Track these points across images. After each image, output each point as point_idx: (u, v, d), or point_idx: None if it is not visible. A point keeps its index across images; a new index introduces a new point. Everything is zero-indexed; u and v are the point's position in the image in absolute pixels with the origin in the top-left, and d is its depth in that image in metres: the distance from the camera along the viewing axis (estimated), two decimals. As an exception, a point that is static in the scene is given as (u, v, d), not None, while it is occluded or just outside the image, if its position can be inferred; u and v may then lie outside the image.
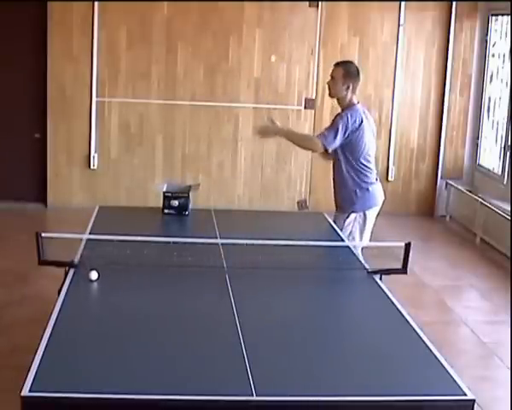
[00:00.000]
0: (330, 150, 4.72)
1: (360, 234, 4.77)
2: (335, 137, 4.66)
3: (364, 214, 4.84)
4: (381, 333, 3.06)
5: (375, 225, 5.00)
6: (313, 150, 5.00)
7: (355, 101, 4.82)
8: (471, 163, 8.56)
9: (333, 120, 4.83)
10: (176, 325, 3.04)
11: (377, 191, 4.98)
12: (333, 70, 4.89)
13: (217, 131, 8.18)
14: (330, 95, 4.94)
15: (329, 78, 4.91)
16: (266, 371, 2.62)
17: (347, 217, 4.81)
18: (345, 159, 4.79)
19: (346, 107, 4.80)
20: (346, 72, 4.80)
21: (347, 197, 4.84)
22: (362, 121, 4.74)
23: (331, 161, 4.99)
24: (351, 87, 4.77)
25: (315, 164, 8.23)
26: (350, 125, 4.68)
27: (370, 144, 4.84)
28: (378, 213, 5.04)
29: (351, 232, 4.77)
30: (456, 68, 8.40)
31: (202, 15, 7.93)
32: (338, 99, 4.87)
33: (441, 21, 8.30)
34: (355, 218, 4.81)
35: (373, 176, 4.92)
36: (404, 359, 2.82)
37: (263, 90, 8.13)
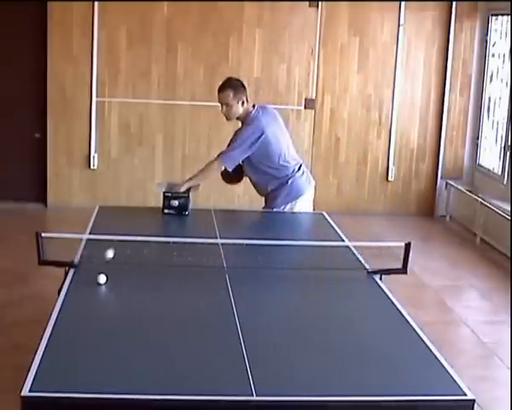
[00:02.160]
0: (230, 169, 4.78)
1: None
2: (234, 154, 4.74)
3: (297, 202, 4.92)
4: (381, 333, 3.06)
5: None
6: (217, 173, 4.93)
7: (250, 109, 4.83)
8: (471, 163, 8.56)
9: (233, 138, 4.84)
10: (176, 324, 3.04)
11: (301, 181, 4.98)
12: (220, 97, 4.82)
13: (217, 131, 8.17)
14: (228, 120, 4.92)
15: (220, 105, 4.85)
16: (266, 371, 2.62)
17: (283, 209, 4.92)
18: (257, 169, 4.86)
19: (244, 118, 4.83)
20: (234, 90, 4.78)
21: (269, 197, 4.94)
22: (262, 132, 4.75)
23: (236, 182, 5.08)
24: (244, 100, 4.79)
25: (315, 164, 8.24)
26: (250, 140, 4.72)
27: (282, 141, 4.87)
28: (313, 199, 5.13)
29: None
30: (456, 68, 8.40)
31: (202, 15, 7.93)
32: (237, 118, 4.88)
33: (441, 21, 8.30)
34: (290, 209, 4.92)
35: (292, 170, 4.93)
36: (404, 359, 2.82)
37: (263, 90, 8.13)
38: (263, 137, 4.76)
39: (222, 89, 4.83)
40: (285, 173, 4.91)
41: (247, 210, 5.85)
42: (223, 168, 4.84)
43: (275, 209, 4.93)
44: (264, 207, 5.06)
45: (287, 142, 4.98)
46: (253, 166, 4.89)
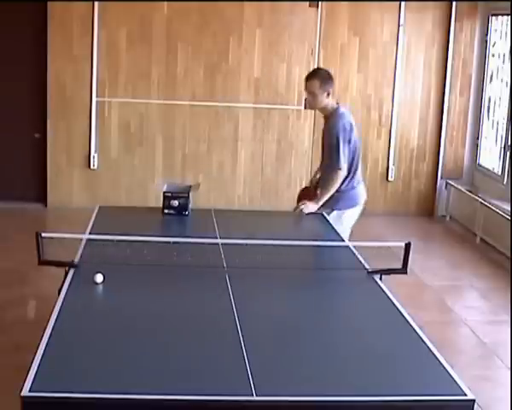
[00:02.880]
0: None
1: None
2: (344, 154, 4.77)
3: (344, 213, 4.92)
4: (381, 333, 3.06)
5: (357, 223, 5.04)
6: (339, 181, 4.91)
7: (335, 104, 4.83)
8: (471, 163, 8.56)
9: (330, 138, 4.83)
10: (176, 324, 3.04)
11: (360, 192, 5.04)
12: (307, 85, 4.85)
13: (217, 131, 8.18)
14: (311, 108, 4.95)
15: (306, 93, 4.89)
16: (266, 371, 2.62)
17: (328, 214, 4.88)
18: (332, 163, 4.85)
19: (331, 114, 4.82)
20: (322, 80, 4.80)
21: (331, 196, 4.90)
22: (351, 125, 4.82)
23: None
24: (331, 93, 4.78)
25: (315, 164, 8.23)
26: (346, 134, 4.77)
27: (356, 146, 4.91)
28: (361, 213, 5.11)
29: None
30: (456, 68, 8.40)
31: (202, 15, 7.93)
32: (321, 109, 4.87)
33: (441, 21, 8.30)
34: (336, 216, 4.89)
35: (357, 177, 4.97)
36: (404, 359, 2.82)
37: (263, 90, 8.14)
38: (352, 130, 4.79)
39: (310, 77, 4.85)
40: (352, 177, 4.91)
41: (247, 210, 5.86)
42: (344, 174, 4.84)
43: (334, 213, 4.87)
44: (321, 208, 4.97)
45: (360, 149, 4.99)
46: (332, 163, 4.86)
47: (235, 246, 3.97)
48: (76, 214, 6.15)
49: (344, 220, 4.92)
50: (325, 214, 4.88)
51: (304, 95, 8.10)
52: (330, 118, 4.87)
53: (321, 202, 4.89)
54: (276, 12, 8.04)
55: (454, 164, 8.59)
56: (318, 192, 4.99)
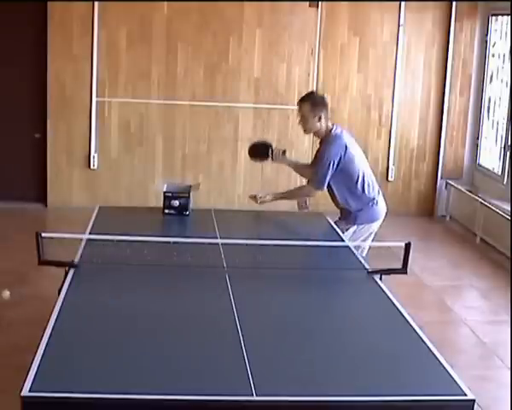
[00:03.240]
0: (323, 190, 4.78)
1: (361, 245, 4.76)
2: (324, 176, 4.69)
3: (365, 226, 4.85)
4: (381, 333, 3.06)
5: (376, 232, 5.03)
6: (309, 196, 4.96)
7: (331, 127, 4.79)
8: (471, 163, 8.56)
9: (316, 158, 4.82)
10: (176, 325, 3.04)
11: (380, 206, 4.95)
12: (299, 108, 4.80)
13: (217, 131, 8.18)
14: (305, 132, 4.92)
15: (300, 116, 4.82)
16: (266, 371, 2.62)
17: (348, 229, 4.81)
18: (341, 188, 4.79)
19: (325, 137, 4.77)
20: (313, 104, 4.74)
21: (350, 216, 4.84)
22: (346, 148, 4.70)
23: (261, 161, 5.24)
24: (323, 117, 4.72)
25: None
26: (334, 158, 4.66)
27: (362, 165, 4.82)
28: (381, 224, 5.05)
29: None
30: (456, 68, 8.40)
31: (202, 15, 7.93)
32: (314, 132, 4.85)
33: (441, 21, 8.30)
34: (358, 229, 4.83)
35: (374, 192, 4.89)
36: (404, 359, 2.82)
37: (263, 90, 8.13)
38: (347, 154, 4.69)
39: (301, 100, 4.80)
40: (368, 197, 4.84)
41: (247, 210, 5.85)
42: (315, 192, 4.83)
43: (353, 228, 4.81)
44: (339, 220, 4.90)
45: (367, 167, 4.91)
46: (338, 186, 4.80)
47: (235, 246, 3.97)
48: (76, 214, 6.15)
49: (368, 233, 4.85)
50: (344, 231, 4.78)
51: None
52: (323, 142, 4.79)
53: (277, 198, 4.96)
54: (276, 12, 8.04)
55: (454, 164, 8.59)
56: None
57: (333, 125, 4.80)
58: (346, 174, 4.73)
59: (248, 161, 8.27)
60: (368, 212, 4.85)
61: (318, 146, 4.90)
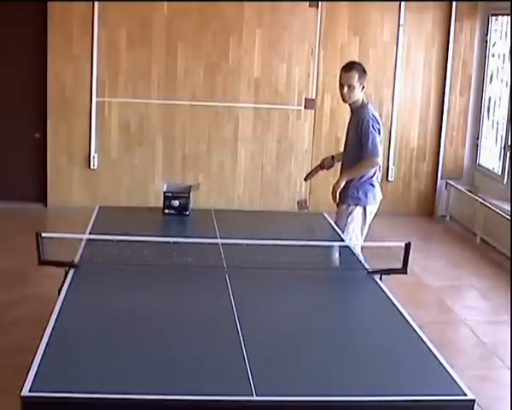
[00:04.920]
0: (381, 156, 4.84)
1: (361, 230, 4.80)
2: (378, 144, 4.76)
3: (365, 209, 4.90)
4: (381, 333, 3.06)
5: (371, 224, 5.04)
6: (374, 167, 4.92)
7: (366, 100, 4.86)
8: (471, 163, 8.56)
9: (362, 130, 4.80)
10: (176, 324, 3.04)
11: (378, 190, 5.05)
12: (344, 77, 4.78)
13: (217, 131, 8.18)
14: (345, 101, 4.90)
15: (341, 85, 4.83)
16: (266, 371, 2.62)
17: (350, 212, 4.84)
18: (359, 155, 4.82)
19: (360, 107, 4.81)
20: (360, 73, 4.78)
21: (352, 191, 4.87)
22: (379, 121, 4.86)
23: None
24: (365, 85, 4.81)
25: (314, 164, 8.22)
26: (376, 126, 4.79)
27: (381, 144, 4.92)
28: (376, 213, 5.06)
29: (353, 229, 4.80)
30: (456, 68, 8.40)
31: (202, 15, 7.93)
32: (352, 103, 4.86)
33: (441, 21, 8.30)
34: (358, 213, 4.85)
35: (378, 174, 4.99)
36: (404, 359, 2.82)
37: (263, 90, 8.13)
38: (380, 124, 4.81)
39: (347, 69, 4.80)
40: (373, 177, 4.91)
41: (247, 210, 5.86)
42: (380, 162, 4.85)
43: (357, 208, 4.86)
44: (342, 204, 4.93)
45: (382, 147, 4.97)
46: (359, 150, 4.83)
47: (235, 246, 3.97)
48: (76, 214, 6.16)
49: (363, 216, 4.90)
50: (347, 215, 4.84)
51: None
52: (360, 110, 4.84)
53: (346, 178, 4.82)
54: (276, 12, 8.04)
55: (454, 164, 8.59)
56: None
57: (367, 100, 4.90)
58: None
59: (249, 161, 8.34)
60: (367, 191, 4.90)
61: (351, 117, 4.95)
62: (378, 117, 4.91)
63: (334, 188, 4.87)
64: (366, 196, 4.89)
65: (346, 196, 4.89)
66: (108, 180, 8.12)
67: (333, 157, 5.28)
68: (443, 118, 8.46)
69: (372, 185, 4.92)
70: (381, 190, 5.14)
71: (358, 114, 4.86)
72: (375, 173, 4.91)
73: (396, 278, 3.78)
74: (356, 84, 4.76)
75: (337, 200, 4.87)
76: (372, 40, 8.24)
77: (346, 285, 3.67)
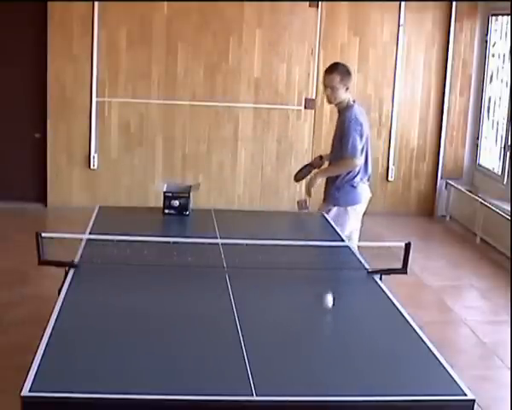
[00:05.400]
0: (361, 158, 4.84)
1: (341, 228, 4.81)
2: (356, 144, 4.77)
3: (346, 210, 4.93)
4: (381, 333, 3.06)
5: (363, 223, 5.06)
6: (352, 168, 4.93)
7: (351, 100, 4.86)
8: (471, 163, 8.56)
9: (346, 128, 4.83)
10: (176, 324, 3.04)
11: (363, 190, 5.03)
12: (327, 79, 4.87)
13: (217, 131, 8.18)
14: (330, 102, 4.97)
15: (324, 87, 4.92)
16: (266, 371, 2.62)
17: (328, 212, 4.92)
18: (344, 153, 4.86)
19: (347, 108, 4.83)
20: (342, 75, 4.82)
21: (333, 191, 4.95)
22: (362, 123, 4.84)
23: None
24: (349, 86, 4.81)
25: (315, 164, 8.24)
26: (358, 128, 4.78)
27: (366, 144, 4.91)
28: (365, 212, 5.11)
29: None
30: (456, 68, 8.40)
31: (202, 15, 7.93)
32: (338, 103, 4.89)
33: (441, 21, 8.30)
34: (337, 212, 4.91)
35: (362, 175, 4.97)
36: (404, 359, 2.82)
37: (263, 90, 8.13)
38: (363, 127, 4.82)
39: (329, 71, 4.87)
40: (355, 175, 4.92)
41: (247, 210, 5.86)
42: (354, 162, 4.84)
43: (335, 209, 4.92)
44: (322, 206, 5.02)
45: (369, 148, 4.98)
46: (340, 154, 4.89)
47: (235, 246, 3.97)
48: (76, 214, 6.16)
49: (347, 217, 4.92)
50: (326, 213, 4.89)
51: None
52: (345, 111, 4.88)
53: (321, 176, 4.93)
54: (276, 12, 8.04)
55: (454, 164, 8.59)
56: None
57: (354, 100, 4.93)
58: None
59: (249, 161, 8.34)
60: (348, 192, 4.93)
61: (338, 118, 4.99)
62: (363, 119, 4.90)
63: (308, 184, 4.97)
64: (346, 196, 4.94)
65: (328, 196, 4.99)
66: (108, 180, 8.12)
67: (321, 157, 5.31)
68: (443, 118, 8.46)
69: (353, 186, 4.94)
70: (371, 189, 5.16)
71: (343, 114, 4.91)
72: (358, 174, 4.92)
73: (396, 278, 3.78)
74: (338, 85, 4.80)
75: (311, 195, 4.96)
76: (372, 40, 8.24)
77: (346, 285, 3.67)
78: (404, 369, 2.73)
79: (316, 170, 5.13)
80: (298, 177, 5.33)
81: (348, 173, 4.91)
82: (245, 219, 5.18)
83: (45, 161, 8.01)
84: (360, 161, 4.85)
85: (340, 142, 4.87)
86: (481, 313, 5.85)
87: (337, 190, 4.92)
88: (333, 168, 5.02)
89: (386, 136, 8.45)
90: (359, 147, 4.80)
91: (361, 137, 4.81)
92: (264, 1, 7.97)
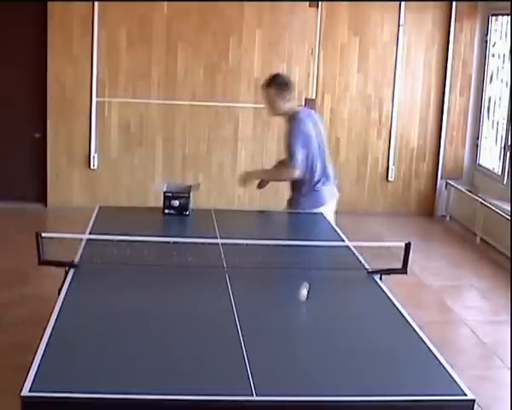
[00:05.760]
0: (301, 167, 4.82)
1: None
2: (297, 153, 4.76)
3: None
4: (381, 333, 3.06)
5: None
6: (291, 178, 4.95)
7: (296, 108, 4.86)
8: (471, 163, 8.56)
9: (288, 139, 4.85)
10: (176, 325, 3.04)
11: (326, 192, 5.01)
12: (263, 93, 4.89)
13: (217, 131, 8.18)
14: (272, 115, 4.98)
15: (265, 100, 4.94)
16: (266, 371, 2.62)
17: None
18: (287, 162, 4.88)
19: (291, 118, 4.84)
20: (278, 87, 4.83)
21: (297, 197, 4.96)
22: (309, 132, 4.83)
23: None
24: (289, 98, 4.80)
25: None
26: (301, 138, 4.77)
27: (316, 148, 4.88)
28: (336, 212, 5.14)
29: None
30: (456, 68, 8.40)
31: (202, 15, 7.93)
32: (281, 114, 4.90)
33: (441, 21, 8.30)
34: None
35: (324, 179, 4.96)
36: (404, 359, 2.82)
37: (263, 90, 8.12)
38: (309, 137, 4.81)
39: (264, 86, 4.89)
40: (315, 180, 4.92)
41: (247, 210, 5.86)
42: (293, 172, 4.83)
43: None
44: (287, 207, 5.05)
45: (323, 151, 4.97)
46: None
47: (235, 246, 3.97)
48: (76, 214, 6.15)
49: None
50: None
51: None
52: (289, 121, 4.88)
53: (262, 175, 5.02)
54: (276, 12, 8.04)
55: (454, 164, 8.59)
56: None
57: (299, 106, 4.88)
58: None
59: (249, 161, 8.34)
60: (311, 197, 4.94)
61: (285, 128, 4.98)
62: (311, 126, 4.86)
63: (246, 175, 5.06)
64: (309, 201, 4.93)
65: (292, 201, 5.01)
66: (108, 180, 8.12)
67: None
68: (443, 118, 8.47)
69: (315, 191, 4.94)
70: (338, 189, 5.19)
71: (287, 125, 4.91)
72: (320, 180, 4.92)
73: (396, 278, 3.77)
74: (275, 98, 4.82)
75: (244, 186, 5.10)
76: (372, 40, 8.24)
77: (346, 285, 3.67)
78: (404, 369, 2.73)
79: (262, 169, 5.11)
80: (261, 185, 5.31)
81: (311, 181, 4.89)
82: (245, 219, 5.18)
83: (45, 161, 8.02)
84: (299, 171, 4.82)
85: (286, 151, 4.89)
86: (481, 313, 5.85)
87: (301, 196, 4.94)
88: (273, 173, 5.17)
89: (386, 136, 8.46)
90: (299, 157, 4.77)
91: (304, 146, 4.78)
92: (264, 1, 7.97)
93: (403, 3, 8.20)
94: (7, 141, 7.99)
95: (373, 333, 3.04)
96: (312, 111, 5.10)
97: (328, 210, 5.03)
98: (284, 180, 5.07)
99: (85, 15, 7.77)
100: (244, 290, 3.43)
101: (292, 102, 4.88)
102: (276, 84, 4.85)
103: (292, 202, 5.04)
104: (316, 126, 4.96)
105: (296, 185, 4.96)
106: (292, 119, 4.84)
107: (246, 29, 8.03)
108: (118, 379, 2.50)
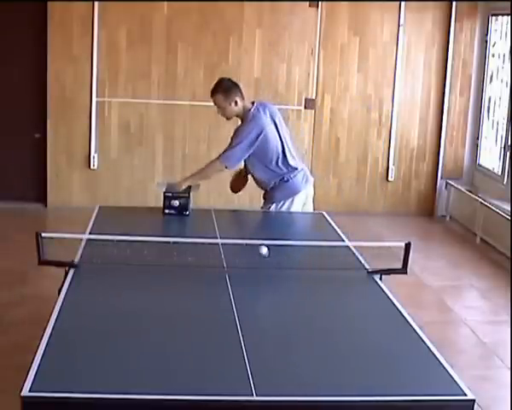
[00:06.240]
0: (232, 169, 4.93)
1: None
2: (235, 154, 4.81)
3: (284, 203, 4.96)
4: (381, 333, 3.06)
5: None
6: (216, 174, 4.98)
7: (248, 105, 4.87)
8: (471, 163, 8.56)
9: (233, 136, 4.87)
10: (176, 325, 3.04)
11: (298, 180, 5.01)
12: (213, 101, 4.91)
13: (217, 131, 8.17)
14: (228, 119, 4.98)
15: (218, 107, 4.94)
16: (266, 371, 2.62)
17: (269, 208, 4.97)
18: (257, 165, 4.91)
19: (243, 115, 4.88)
20: (224, 92, 4.84)
21: (270, 191, 4.98)
22: (263, 128, 4.81)
23: (243, 187, 5.21)
24: (238, 99, 4.83)
25: (314, 164, 8.25)
26: (250, 137, 4.78)
27: (278, 142, 4.90)
28: (313, 198, 5.17)
29: None
30: (456, 68, 8.40)
31: (202, 15, 7.93)
32: (236, 116, 4.94)
33: (441, 21, 8.30)
34: (276, 208, 4.96)
35: (291, 170, 4.96)
36: (404, 359, 2.82)
37: (263, 90, 8.13)
38: (262, 134, 4.80)
39: (213, 92, 4.91)
40: (283, 172, 4.94)
41: (247, 210, 5.86)
42: (224, 168, 4.89)
43: (273, 206, 4.95)
44: (263, 205, 5.06)
45: (286, 141, 4.98)
46: (252, 163, 4.92)
47: (235, 246, 3.97)
48: (76, 214, 6.15)
49: (288, 209, 4.97)
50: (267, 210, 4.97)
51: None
52: (242, 121, 4.91)
53: (185, 181, 4.83)
54: (276, 12, 8.04)
55: (454, 164, 8.59)
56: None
57: (252, 103, 4.93)
58: (261, 153, 4.85)
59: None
60: (284, 188, 4.95)
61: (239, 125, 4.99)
62: (264, 119, 4.85)
63: (180, 183, 4.85)
64: (282, 193, 4.95)
65: (267, 195, 5.03)
66: (108, 180, 8.12)
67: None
68: (443, 118, 8.46)
69: (285, 181, 4.95)
70: (312, 175, 5.19)
71: (242, 122, 4.93)
72: (287, 169, 4.93)
73: (396, 278, 3.78)
74: (224, 104, 4.85)
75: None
76: (372, 40, 8.24)
77: (346, 285, 3.67)
78: (404, 369, 2.73)
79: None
80: (235, 188, 5.29)
81: (278, 173, 4.91)
82: (245, 219, 5.18)
83: (45, 161, 8.01)
84: (226, 164, 4.85)
85: (231, 140, 4.89)
86: (481, 313, 5.85)
87: (273, 190, 4.96)
88: (200, 175, 4.97)
89: (386, 136, 8.46)
90: (233, 154, 4.81)
91: (248, 146, 4.79)
92: (264, 1, 7.97)
93: (403, 3, 8.20)
94: (7, 141, 7.99)
95: (373, 333, 3.04)
96: (268, 102, 5.10)
97: (301, 199, 5.03)
98: (211, 174, 4.97)
99: (85, 15, 7.76)
100: (244, 290, 3.43)
101: (243, 102, 4.88)
102: (222, 89, 4.87)
103: (266, 197, 5.05)
104: (274, 115, 4.97)
105: (266, 180, 4.96)
106: (246, 118, 4.86)
107: (246, 29, 8.03)
108: (118, 379, 2.50)
